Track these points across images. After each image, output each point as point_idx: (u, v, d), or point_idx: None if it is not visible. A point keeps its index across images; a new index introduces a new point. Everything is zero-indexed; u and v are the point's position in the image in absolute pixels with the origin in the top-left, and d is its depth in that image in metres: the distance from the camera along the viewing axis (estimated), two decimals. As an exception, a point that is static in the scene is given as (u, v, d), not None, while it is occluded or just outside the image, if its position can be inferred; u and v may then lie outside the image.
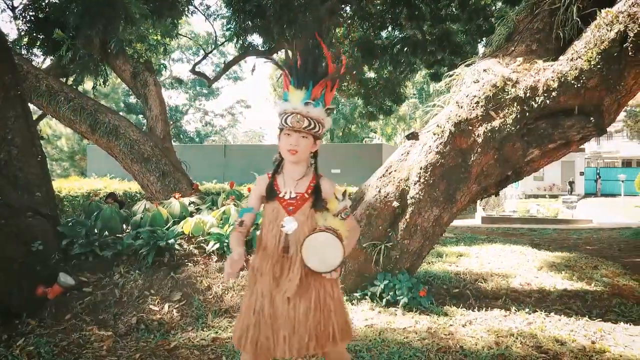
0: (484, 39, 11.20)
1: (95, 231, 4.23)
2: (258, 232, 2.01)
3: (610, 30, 3.51)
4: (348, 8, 11.57)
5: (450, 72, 4.61)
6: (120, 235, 4.44)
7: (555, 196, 22.71)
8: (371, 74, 14.23)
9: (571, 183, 24.97)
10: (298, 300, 1.88)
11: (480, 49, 13.40)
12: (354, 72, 12.86)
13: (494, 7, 11.92)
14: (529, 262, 5.59)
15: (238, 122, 41.85)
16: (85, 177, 17.41)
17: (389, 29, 11.86)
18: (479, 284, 4.60)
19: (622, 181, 19.66)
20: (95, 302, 3.58)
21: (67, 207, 12.40)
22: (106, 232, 4.28)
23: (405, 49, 11.13)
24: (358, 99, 16.55)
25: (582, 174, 25.75)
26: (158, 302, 3.64)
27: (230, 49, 28.36)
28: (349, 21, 11.97)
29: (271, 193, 1.94)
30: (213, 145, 29.30)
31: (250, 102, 72.40)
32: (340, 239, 1.81)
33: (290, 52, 1.96)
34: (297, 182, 1.95)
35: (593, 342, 3.07)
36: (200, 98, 37.25)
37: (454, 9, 11.02)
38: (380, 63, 12.10)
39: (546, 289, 4.40)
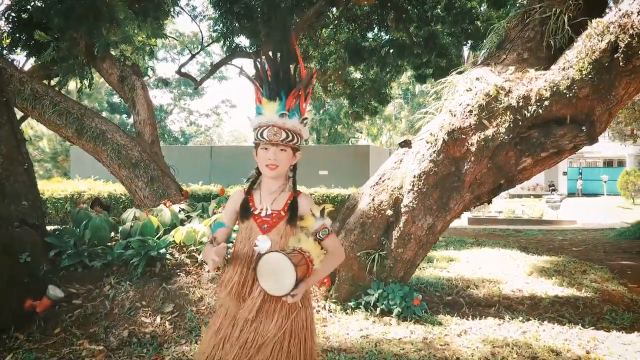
0: (469, 42, 11.31)
1: (85, 241, 4.14)
2: (231, 248, 1.93)
3: (602, 41, 3.53)
4: (335, 9, 11.55)
5: (442, 80, 4.62)
6: (110, 244, 4.36)
7: (538, 196, 22.99)
8: (357, 75, 14.26)
9: (551, 186, 25.32)
10: (259, 324, 1.80)
11: (466, 52, 13.55)
12: (340, 72, 12.93)
13: (479, 10, 12.02)
14: (518, 267, 5.63)
15: (223, 121, 41.60)
16: (69, 179, 17.12)
17: (375, 30, 11.88)
18: (471, 290, 4.62)
19: (605, 181, 19.96)
20: (86, 315, 3.50)
21: (51, 209, 12.18)
22: (95, 242, 4.19)
23: (392, 50, 11.17)
24: (344, 99, 16.57)
25: (565, 173, 26.12)
26: (150, 314, 3.58)
27: (216, 49, 28.22)
28: (336, 22, 11.96)
29: (245, 211, 1.87)
30: (199, 146, 29.07)
31: (235, 101, 72.12)
32: (301, 264, 1.69)
33: (259, 63, 1.87)
34: (274, 198, 1.88)
35: (588, 352, 3.10)
36: (185, 97, 36.91)
37: (439, 11, 11.08)
38: (367, 64, 12.12)
39: (538, 295, 4.43)
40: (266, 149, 1.83)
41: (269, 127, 1.81)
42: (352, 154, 17.12)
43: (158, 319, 3.54)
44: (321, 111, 28.27)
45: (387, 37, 11.93)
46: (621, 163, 29.75)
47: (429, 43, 10.95)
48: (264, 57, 1.94)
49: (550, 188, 24.73)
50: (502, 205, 17.32)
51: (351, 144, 29.53)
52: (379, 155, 17.58)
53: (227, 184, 13.54)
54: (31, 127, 23.44)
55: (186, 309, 3.64)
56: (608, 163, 34.18)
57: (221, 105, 47.97)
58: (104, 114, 29.78)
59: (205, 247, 1.87)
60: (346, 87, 13.65)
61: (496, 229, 12.68)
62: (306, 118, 1.90)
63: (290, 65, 1.89)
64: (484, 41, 4.69)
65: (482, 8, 12.18)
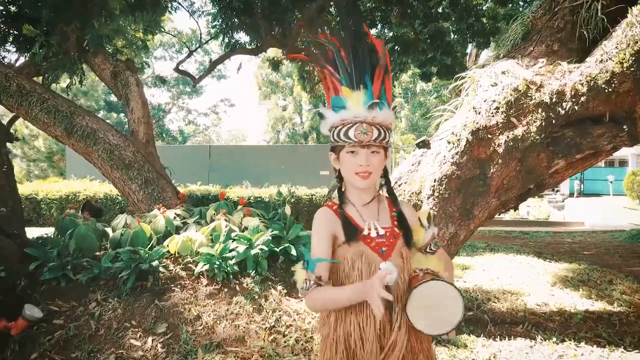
0: (475, 39, 10.96)
1: (69, 252, 3.74)
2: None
3: (645, 30, 3.16)
4: (334, 7, 11.17)
5: (462, 74, 4.23)
6: (98, 254, 3.97)
7: (541, 196, 22.63)
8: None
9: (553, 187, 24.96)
10: None
11: (469, 50, 13.19)
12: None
13: (484, 7, 11.68)
14: (539, 276, 5.25)
15: (222, 121, 41.21)
16: (64, 179, 16.73)
17: (379, 27, 11.51)
18: (493, 304, 4.23)
19: (611, 182, 19.61)
20: (68, 338, 3.11)
21: (45, 210, 11.80)
22: (81, 253, 3.79)
23: (397, 47, 10.82)
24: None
25: (554, 186, 25.69)
26: (140, 335, 3.19)
27: (215, 47, 27.77)
28: (338, 19, 11.58)
29: (351, 231, 1.43)
30: (197, 146, 28.68)
31: (234, 100, 71.70)
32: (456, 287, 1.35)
33: (330, 44, 1.43)
34: (377, 213, 1.48)
35: (638, 382, 2.72)
36: (184, 96, 36.45)
37: (445, 7, 10.72)
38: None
39: (566, 310, 4.05)
40: (354, 152, 1.43)
41: (356, 125, 1.40)
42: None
43: (149, 341, 3.15)
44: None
45: (391, 33, 11.56)
46: (623, 163, 29.42)
47: (435, 40, 10.60)
48: (331, 38, 1.49)
49: (555, 189, 24.39)
50: (507, 206, 16.96)
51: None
52: (382, 155, 17.22)
53: (226, 184, 13.16)
54: (26, 126, 23.04)
55: (181, 329, 3.25)
56: (610, 163, 33.87)
57: (220, 104, 47.43)
58: (101, 112, 29.37)
59: (313, 295, 1.40)
60: (348, 86, 13.28)
61: (502, 231, 12.32)
62: (396, 106, 1.50)
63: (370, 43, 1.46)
64: (508, 32, 4.30)
65: (487, 5, 11.87)
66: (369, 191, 1.51)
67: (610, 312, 3.98)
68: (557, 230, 12.63)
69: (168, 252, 3.86)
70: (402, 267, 1.42)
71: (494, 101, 3.55)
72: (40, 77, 6.92)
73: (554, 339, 3.34)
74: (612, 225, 13.04)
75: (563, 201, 21.98)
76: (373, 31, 11.67)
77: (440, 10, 10.60)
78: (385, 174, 1.53)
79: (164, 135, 34.41)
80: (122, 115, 29.86)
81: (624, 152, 26.61)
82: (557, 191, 24.70)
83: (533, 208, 16.53)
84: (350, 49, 1.42)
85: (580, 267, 5.86)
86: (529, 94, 3.44)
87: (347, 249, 1.44)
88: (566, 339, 3.35)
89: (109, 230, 4.45)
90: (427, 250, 1.50)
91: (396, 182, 3.87)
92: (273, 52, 14.70)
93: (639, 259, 7.54)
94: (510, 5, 10.95)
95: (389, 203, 1.53)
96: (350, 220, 1.46)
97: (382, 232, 1.45)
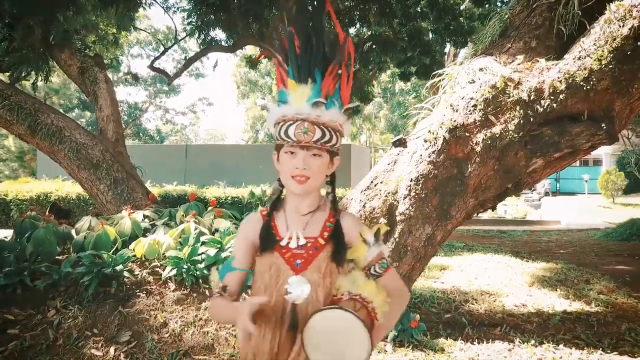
0: (452, 38, 10.99)
1: (26, 257, 3.53)
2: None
3: (623, 26, 3.08)
4: (315, 3, 11.02)
5: (440, 71, 4.14)
6: (59, 259, 3.76)
7: (517, 195, 22.90)
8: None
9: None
10: None
11: (448, 49, 13.21)
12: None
13: (462, 7, 11.73)
14: (517, 276, 5.21)
15: (200, 120, 40.70)
16: (36, 179, 16.25)
17: (357, 26, 11.45)
18: (471, 305, 4.16)
19: (586, 181, 19.94)
20: (23, 348, 2.92)
21: (15, 212, 11.40)
22: (39, 258, 3.58)
23: (375, 46, 10.76)
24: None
25: (532, 185, 26.07)
26: (102, 344, 3.01)
27: (192, 45, 27.37)
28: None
29: (268, 240, 1.31)
30: (174, 145, 28.23)
31: (212, 99, 71.01)
32: (367, 322, 1.13)
33: (281, 29, 1.27)
34: (306, 222, 1.31)
35: (618, 386, 2.66)
36: (161, 95, 35.89)
37: (422, 7, 10.71)
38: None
39: (545, 311, 4.00)
40: (292, 152, 1.27)
41: (297, 123, 1.25)
42: (332, 153, 16.59)
43: (112, 351, 2.97)
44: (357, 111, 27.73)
45: (370, 32, 11.51)
46: (597, 162, 30.00)
47: (414, 39, 10.58)
48: (285, 21, 1.32)
49: (532, 188, 24.73)
50: (485, 206, 17.08)
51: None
52: (361, 155, 17.17)
53: (203, 184, 12.92)
54: (-4, 125, 22.35)
55: (146, 338, 3.08)
56: (584, 162, 34.50)
57: (198, 102, 46.98)
58: (75, 111, 28.70)
59: (212, 302, 1.29)
60: (328, 85, 13.19)
61: (480, 230, 12.37)
62: (350, 108, 1.33)
63: (327, 32, 1.29)
64: (486, 28, 4.22)
65: (464, 4, 11.92)
66: (309, 199, 1.34)
67: (588, 313, 3.94)
68: (534, 229, 12.74)
69: (134, 255, 3.68)
70: (318, 284, 1.25)
71: (471, 99, 3.46)
72: (6, 75, 6.64)
73: (533, 342, 3.27)
74: (587, 224, 13.21)
75: (539, 200, 22.28)
76: (352, 30, 11.60)
77: (418, 9, 10.58)
78: (331, 181, 1.37)
79: (140, 134, 33.82)
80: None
81: (598, 152, 27.12)
82: (534, 190, 25.03)
83: (510, 207, 16.67)
84: (304, 38, 1.26)
85: (557, 266, 5.86)
86: (507, 92, 3.36)
87: (261, 259, 1.31)
88: (545, 341, 3.28)
89: (72, 232, 4.24)
90: (372, 271, 1.31)
91: (372, 182, 3.76)
92: (251, 50, 14.51)
93: (614, 257, 7.60)
94: (487, 5, 11.01)
95: (331, 213, 1.35)
96: (271, 228, 1.32)
97: (302, 242, 1.29)
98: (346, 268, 1.30)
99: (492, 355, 3.09)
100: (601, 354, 3.11)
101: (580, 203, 18.02)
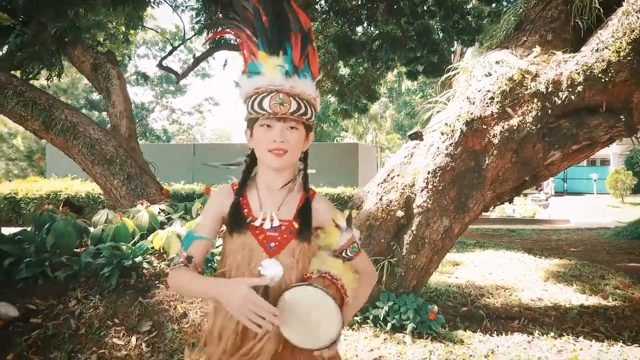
0: (460, 37, 10.96)
1: (47, 248, 3.56)
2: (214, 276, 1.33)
3: (642, 18, 3.10)
4: (323, 2, 11.07)
5: (454, 65, 4.15)
6: (77, 251, 3.79)
7: (525, 195, 22.79)
8: (345, 71, 13.79)
9: (539, 185, 25.22)
10: None
11: (455, 47, 13.17)
12: (329, 68, 12.40)
13: (469, 5, 11.71)
14: (531, 272, 5.20)
15: (206, 119, 40.80)
16: (45, 178, 16.34)
17: (365, 24, 11.44)
18: (487, 299, 4.16)
19: (595, 180, 19.84)
20: (46, 337, 2.94)
21: (25, 210, 11.48)
22: (60, 249, 3.61)
23: (384, 45, 10.75)
24: (331, 97, 16.10)
25: (549, 178, 25.94)
26: (123, 334, 3.04)
27: (198, 46, 27.43)
28: (324, 16, 11.48)
29: (238, 219, 1.27)
30: (181, 144, 28.31)
31: (218, 99, 71.15)
32: (337, 298, 1.16)
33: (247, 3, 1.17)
34: (280, 202, 1.30)
35: (640, 376, 2.65)
36: (167, 95, 36.03)
37: (430, 5, 10.69)
38: (357, 59, 11.68)
39: (562, 305, 3.99)
40: (268, 126, 1.24)
41: (271, 94, 1.22)
42: (340, 152, 16.62)
43: (133, 340, 2.99)
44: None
45: (378, 31, 11.50)
46: (604, 162, 29.83)
47: (422, 37, 10.56)
48: None
49: (539, 188, 24.64)
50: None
51: (338, 142, 29.06)
52: (368, 154, 17.17)
53: (211, 183, 12.96)
54: (5, 125, 22.50)
55: (166, 327, 3.10)
56: (592, 162, 34.33)
57: (204, 103, 47.12)
58: (82, 111, 28.82)
59: (175, 273, 1.24)
60: (335, 84, 13.18)
61: (488, 229, 12.33)
62: (320, 81, 1.32)
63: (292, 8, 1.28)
64: (500, 22, 4.22)
65: (472, 3, 11.90)
66: (284, 175, 1.32)
67: (606, 307, 3.93)
68: (543, 228, 12.69)
69: (152, 248, 3.70)
70: (291, 267, 1.24)
71: (488, 91, 3.47)
72: (18, 72, 6.70)
73: (552, 334, 3.26)
74: (597, 223, 13.15)
75: (547, 200, 22.17)
76: (359, 29, 11.60)
77: (425, 8, 10.57)
78: (304, 158, 1.36)
79: (147, 134, 33.95)
80: (104, 113, 29.35)
81: (606, 152, 26.97)
82: (541, 190, 24.93)
83: (519, 206, 16.61)
84: (270, 12, 1.25)
85: (571, 262, 5.84)
86: (524, 84, 3.37)
87: (235, 237, 1.27)
88: (564, 334, 3.27)
89: (90, 228, 4.27)
90: (343, 255, 1.32)
91: (389, 175, 3.77)
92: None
93: (627, 255, 7.56)
94: (494, 4, 10.98)
95: (302, 195, 1.34)
96: (242, 206, 1.29)
97: (277, 224, 1.27)
98: (314, 248, 1.31)
99: (511, 346, 3.09)
100: (622, 346, 3.10)
101: (589, 203, 17.93)
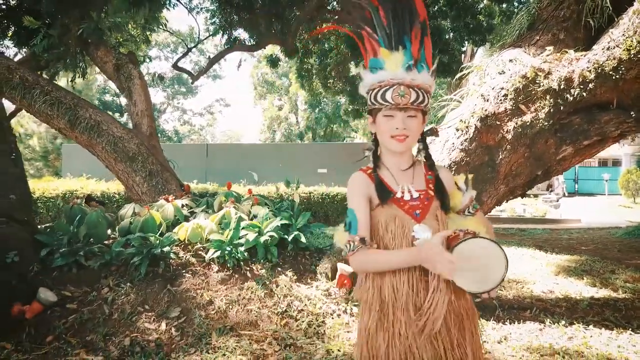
0: (471, 37, 11.04)
1: (79, 238, 3.74)
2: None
3: (652, 17, 3.21)
4: (335, 2, 11.21)
5: (468, 64, 4.28)
6: (108, 243, 3.97)
7: (536, 195, 22.76)
8: (357, 71, 13.92)
9: (550, 186, 25.18)
10: (447, 341, 1.38)
11: (466, 47, 13.23)
12: (340, 68, 12.54)
13: (480, 5, 11.77)
14: (542, 267, 5.30)
15: (217, 120, 41.13)
16: (60, 178, 16.63)
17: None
18: (499, 292, 4.27)
19: (607, 180, 19.77)
20: (82, 321, 3.12)
21: (42, 209, 11.72)
22: (91, 240, 3.79)
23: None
24: (341, 97, 16.22)
25: (561, 173, 25.87)
26: (154, 319, 3.20)
27: (210, 48, 27.73)
28: (337, 17, 11.62)
29: (385, 194, 1.43)
30: (195, 144, 28.58)
31: (229, 100, 71.62)
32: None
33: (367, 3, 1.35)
34: (412, 176, 1.47)
35: (649, 360, 2.76)
36: (179, 96, 36.40)
37: (442, 6, 10.79)
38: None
39: (572, 297, 4.10)
40: (391, 115, 1.41)
41: (393, 87, 1.38)
42: (351, 152, 16.73)
43: (163, 325, 3.16)
44: (316, 110, 27.92)
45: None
46: (616, 162, 29.63)
47: (434, 37, 10.66)
48: None
49: (549, 189, 24.61)
50: (503, 204, 17.05)
51: (349, 142, 29.15)
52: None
53: (223, 183, 13.14)
54: (21, 125, 22.89)
55: (194, 314, 3.27)
56: (603, 163, 34.10)
57: (215, 104, 47.52)
58: (96, 112, 29.19)
59: (359, 257, 1.40)
60: (346, 84, 13.31)
61: (499, 228, 12.37)
62: (434, 70, 1.47)
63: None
64: (513, 22, 4.35)
65: (483, 3, 11.96)
66: (405, 156, 1.49)
67: (616, 299, 4.03)
68: (554, 227, 12.72)
69: (178, 239, 3.87)
70: (436, 229, 1.40)
71: (502, 88, 3.59)
72: (41, 72, 6.92)
73: (563, 322, 3.38)
74: (608, 223, 13.15)
75: (558, 200, 22.12)
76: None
77: (437, 8, 10.68)
78: (423, 139, 1.52)
79: (159, 135, 34.28)
80: (117, 114, 29.77)
81: (617, 152, 26.81)
82: (552, 191, 24.87)
83: (529, 206, 16.62)
84: (389, 8, 1.40)
85: (582, 258, 5.92)
86: (537, 81, 3.49)
87: (380, 212, 1.44)
88: (574, 322, 3.39)
89: (115, 222, 4.45)
90: (466, 212, 1.50)
91: (405, 169, 3.90)
92: (270, 49, 14.70)
93: (638, 253, 7.60)
94: (505, 4, 11.04)
95: (425, 167, 1.51)
96: (383, 183, 1.45)
97: (415, 195, 1.44)
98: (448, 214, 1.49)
99: (524, 334, 3.21)
100: (630, 334, 3.21)
101: (600, 203, 17.89)
